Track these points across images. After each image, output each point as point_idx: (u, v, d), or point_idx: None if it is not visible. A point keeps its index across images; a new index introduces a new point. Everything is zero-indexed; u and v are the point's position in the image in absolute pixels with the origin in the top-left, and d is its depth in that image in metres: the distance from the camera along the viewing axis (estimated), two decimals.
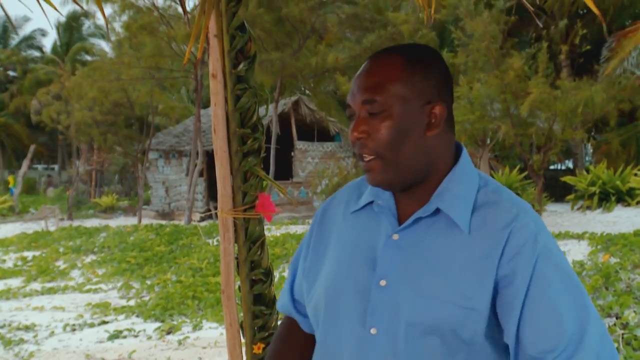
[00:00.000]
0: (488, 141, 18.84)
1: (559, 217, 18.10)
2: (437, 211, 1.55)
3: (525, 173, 19.52)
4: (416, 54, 1.59)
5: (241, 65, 2.41)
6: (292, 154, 26.65)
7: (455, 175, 1.59)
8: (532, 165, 17.30)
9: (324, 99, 26.53)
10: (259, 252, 2.45)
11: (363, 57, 22.29)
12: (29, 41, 53.94)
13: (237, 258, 2.50)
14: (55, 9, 1.78)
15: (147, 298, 11.48)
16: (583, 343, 1.41)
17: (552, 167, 28.73)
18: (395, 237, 1.57)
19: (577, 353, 1.41)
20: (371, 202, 1.67)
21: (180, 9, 22.43)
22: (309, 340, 1.80)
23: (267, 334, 2.51)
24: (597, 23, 21.20)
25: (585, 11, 21.46)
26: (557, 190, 22.30)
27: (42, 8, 2.01)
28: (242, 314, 2.50)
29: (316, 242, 1.81)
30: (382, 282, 1.55)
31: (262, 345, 2.50)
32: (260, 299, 2.51)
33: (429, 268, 1.53)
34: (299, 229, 16.26)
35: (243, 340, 2.56)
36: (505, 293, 1.47)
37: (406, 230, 1.57)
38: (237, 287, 2.54)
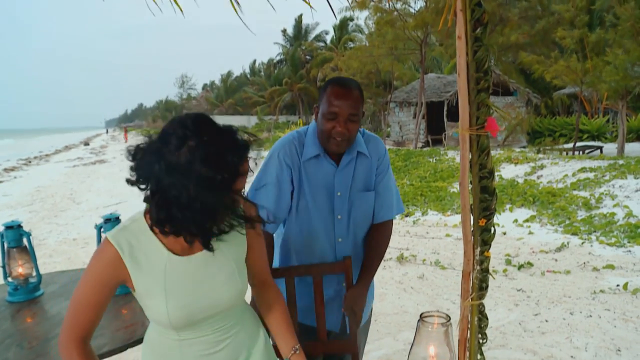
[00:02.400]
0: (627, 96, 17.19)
1: None
2: (358, 153, 2.15)
3: None
4: (361, 89, 2.05)
5: (478, 30, 2.21)
6: None
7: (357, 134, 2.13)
8: None
9: (506, 66, 25.70)
10: (485, 158, 2.30)
11: (536, 37, 21.07)
12: (318, 37, 55.42)
13: (470, 162, 2.36)
14: (335, 16, 1.88)
15: None
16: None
17: None
18: (340, 169, 2.11)
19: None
20: (316, 155, 2.09)
21: (410, 9, 22.20)
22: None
23: (488, 212, 2.37)
24: None
25: None
26: None
27: (335, 14, 1.97)
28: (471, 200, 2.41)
29: (283, 178, 2.08)
30: (339, 193, 2.13)
31: (485, 221, 2.37)
32: (485, 190, 2.36)
33: (359, 180, 2.16)
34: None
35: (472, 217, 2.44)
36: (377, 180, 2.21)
37: (345, 165, 2.12)
38: (469, 181, 2.41)
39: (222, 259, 1.49)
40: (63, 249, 7.39)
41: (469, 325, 2.52)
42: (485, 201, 2.43)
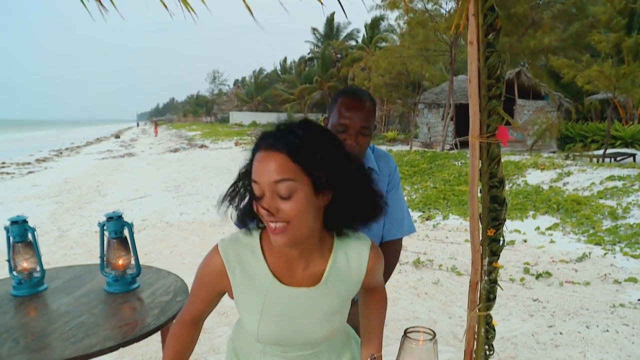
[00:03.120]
0: None
1: None
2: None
3: None
4: (373, 100, 1.96)
5: (490, 35, 2.17)
6: (514, 107, 25.37)
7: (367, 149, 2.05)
8: None
9: (537, 70, 25.51)
10: (496, 166, 2.26)
11: (568, 41, 20.69)
12: (350, 36, 55.39)
13: (480, 170, 2.32)
14: (345, 14, 1.83)
15: (414, 196, 11.40)
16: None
17: None
18: None
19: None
20: None
21: (442, 10, 21.99)
22: None
23: (497, 223, 2.32)
24: None
25: None
26: None
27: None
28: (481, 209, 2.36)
29: None
30: None
31: (494, 231, 2.32)
32: (494, 199, 2.32)
33: None
34: (516, 158, 15.35)
35: (480, 226, 2.38)
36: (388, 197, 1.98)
37: None
38: (478, 189, 2.36)
39: (326, 296, 1.42)
40: (84, 241, 7.49)
41: (476, 336, 2.48)
42: (494, 211, 2.38)
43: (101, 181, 14.93)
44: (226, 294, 1.46)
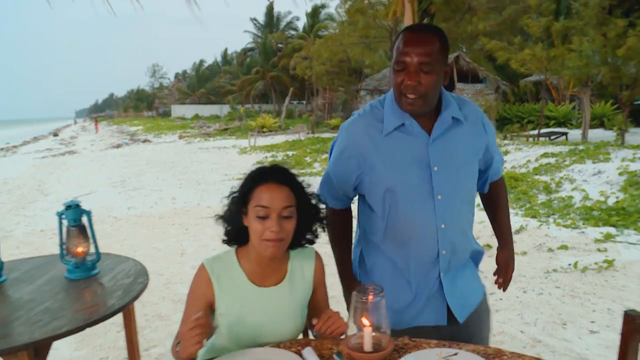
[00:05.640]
0: (590, 83, 17.57)
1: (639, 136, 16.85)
2: (453, 118, 1.79)
3: (616, 105, 18.47)
4: (442, 36, 1.68)
5: (425, 20, 2.35)
6: (454, 91, 26.00)
7: (448, 97, 1.82)
8: (622, 99, 16.05)
9: (475, 55, 26.18)
10: None
11: (502, 25, 21.36)
12: (290, 25, 55.27)
13: None
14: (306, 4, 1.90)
15: None
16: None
17: (636, 102, 26.18)
18: (431, 141, 1.76)
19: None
20: (401, 125, 1.76)
21: None
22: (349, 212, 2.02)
23: None
24: None
25: None
26: (638, 118, 20.61)
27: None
28: None
29: (353, 158, 1.83)
30: (435, 168, 1.75)
31: None
32: None
33: (458, 151, 1.79)
34: None
35: None
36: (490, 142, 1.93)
37: (441, 134, 1.77)
38: None
39: (290, 294, 1.78)
40: (31, 240, 7.36)
41: None
42: None
43: (43, 180, 14.54)
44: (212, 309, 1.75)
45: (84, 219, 2.50)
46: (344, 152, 1.85)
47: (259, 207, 1.63)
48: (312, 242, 1.85)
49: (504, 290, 2.16)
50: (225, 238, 1.80)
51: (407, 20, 2.23)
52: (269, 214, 1.63)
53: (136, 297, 2.24)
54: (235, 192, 1.74)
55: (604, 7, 15.59)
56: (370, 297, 1.46)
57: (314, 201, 1.78)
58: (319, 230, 1.84)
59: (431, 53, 1.62)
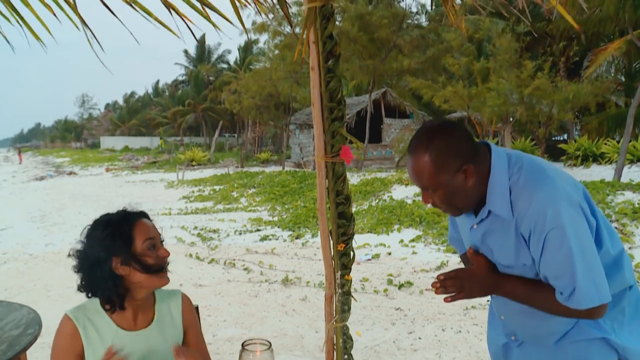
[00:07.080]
0: (510, 119, 18.43)
1: None
2: (490, 212, 1.60)
3: (534, 142, 19.50)
4: (437, 146, 1.52)
5: (330, 61, 2.30)
6: (382, 126, 26.63)
7: (492, 182, 1.57)
8: (538, 136, 17.30)
9: (401, 90, 26.89)
10: (342, 184, 2.37)
11: (426, 63, 22.05)
12: (221, 58, 55.06)
13: (327, 188, 2.41)
14: (246, 33, 1.78)
15: (285, 216, 11.51)
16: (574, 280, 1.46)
17: (553, 138, 27.61)
18: (475, 227, 1.68)
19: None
20: None
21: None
22: None
23: (346, 237, 2.43)
24: (582, 43, 21.31)
25: (574, 35, 21.03)
26: (555, 153, 21.68)
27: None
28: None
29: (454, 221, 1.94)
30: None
31: (343, 245, 2.43)
32: (342, 215, 2.43)
33: (494, 249, 1.64)
34: (383, 175, 16.03)
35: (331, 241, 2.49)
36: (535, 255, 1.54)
37: (478, 223, 1.66)
38: (327, 207, 2.45)
39: (159, 336, 1.73)
40: None
41: (335, 347, 2.54)
42: (343, 226, 2.48)
43: None
44: None
45: None
46: None
47: (148, 240, 1.64)
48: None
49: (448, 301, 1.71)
50: (108, 306, 1.68)
51: (313, 62, 2.18)
52: (156, 242, 1.67)
53: (23, 351, 2.04)
54: (101, 252, 1.61)
55: (516, 49, 16.63)
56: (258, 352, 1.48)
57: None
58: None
59: (424, 175, 1.54)
